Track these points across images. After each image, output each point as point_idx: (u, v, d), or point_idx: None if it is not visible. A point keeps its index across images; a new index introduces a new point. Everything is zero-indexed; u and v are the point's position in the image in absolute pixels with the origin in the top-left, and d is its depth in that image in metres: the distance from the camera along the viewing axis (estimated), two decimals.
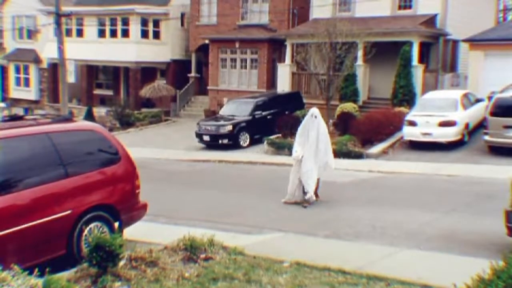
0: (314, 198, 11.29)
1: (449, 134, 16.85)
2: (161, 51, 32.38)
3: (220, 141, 20.81)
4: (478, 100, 18.96)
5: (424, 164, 15.35)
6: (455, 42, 24.97)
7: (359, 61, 23.31)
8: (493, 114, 15.76)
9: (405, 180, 13.89)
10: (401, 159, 16.39)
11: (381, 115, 19.03)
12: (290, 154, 18.55)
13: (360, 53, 22.85)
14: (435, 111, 17.27)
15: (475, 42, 21.77)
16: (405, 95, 21.91)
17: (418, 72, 22.57)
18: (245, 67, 29.02)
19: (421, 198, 11.67)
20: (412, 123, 17.43)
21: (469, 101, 18.37)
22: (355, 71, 23.05)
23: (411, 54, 22.34)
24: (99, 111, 30.37)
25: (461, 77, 23.85)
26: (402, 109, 20.38)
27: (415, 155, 16.72)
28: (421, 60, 23.09)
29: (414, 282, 6.20)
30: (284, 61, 26.50)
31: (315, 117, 11.32)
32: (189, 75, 32.35)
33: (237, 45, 28.84)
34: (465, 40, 22.43)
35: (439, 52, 24.44)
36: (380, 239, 8.60)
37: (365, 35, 21.38)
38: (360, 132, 18.33)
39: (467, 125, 17.44)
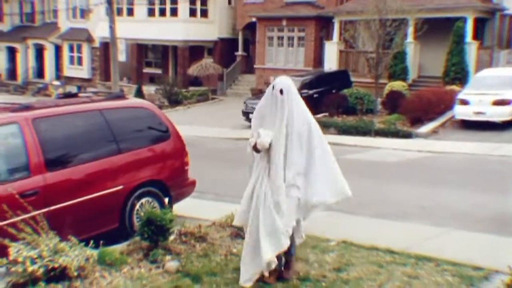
0: (275, 260, 5.36)
1: (504, 113, 16.28)
2: (209, 29, 32.51)
3: None
4: None
5: (476, 144, 14.92)
6: None
7: (410, 38, 22.71)
8: None
9: (455, 160, 13.56)
10: (452, 139, 15.98)
11: (431, 94, 18.56)
12: (337, 132, 18.58)
13: (410, 30, 22.24)
14: (489, 90, 16.70)
15: None
16: (457, 73, 21.25)
17: (471, 49, 21.80)
18: (292, 45, 28.78)
19: (472, 179, 11.37)
20: (465, 102, 16.93)
21: None
22: (405, 49, 22.49)
23: (464, 31, 21.58)
24: (148, 89, 30.89)
25: None
26: (454, 87, 19.81)
27: (466, 135, 16.26)
28: (475, 37, 22.26)
29: (465, 264, 6.08)
30: (331, 38, 26.12)
31: (281, 92, 5.15)
32: (236, 53, 32.40)
33: (284, 23, 28.60)
34: None
35: (494, 28, 23.47)
36: (428, 219, 8.45)
37: (416, 11, 20.75)
38: (409, 111, 17.99)
39: None
